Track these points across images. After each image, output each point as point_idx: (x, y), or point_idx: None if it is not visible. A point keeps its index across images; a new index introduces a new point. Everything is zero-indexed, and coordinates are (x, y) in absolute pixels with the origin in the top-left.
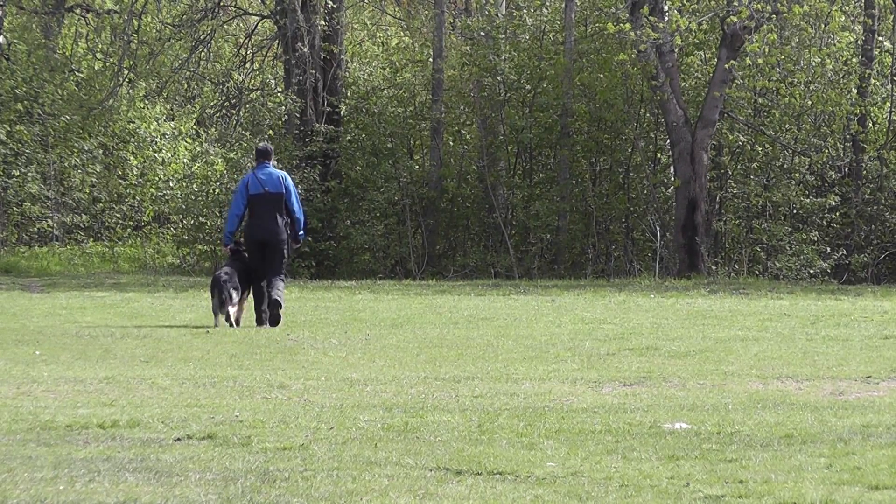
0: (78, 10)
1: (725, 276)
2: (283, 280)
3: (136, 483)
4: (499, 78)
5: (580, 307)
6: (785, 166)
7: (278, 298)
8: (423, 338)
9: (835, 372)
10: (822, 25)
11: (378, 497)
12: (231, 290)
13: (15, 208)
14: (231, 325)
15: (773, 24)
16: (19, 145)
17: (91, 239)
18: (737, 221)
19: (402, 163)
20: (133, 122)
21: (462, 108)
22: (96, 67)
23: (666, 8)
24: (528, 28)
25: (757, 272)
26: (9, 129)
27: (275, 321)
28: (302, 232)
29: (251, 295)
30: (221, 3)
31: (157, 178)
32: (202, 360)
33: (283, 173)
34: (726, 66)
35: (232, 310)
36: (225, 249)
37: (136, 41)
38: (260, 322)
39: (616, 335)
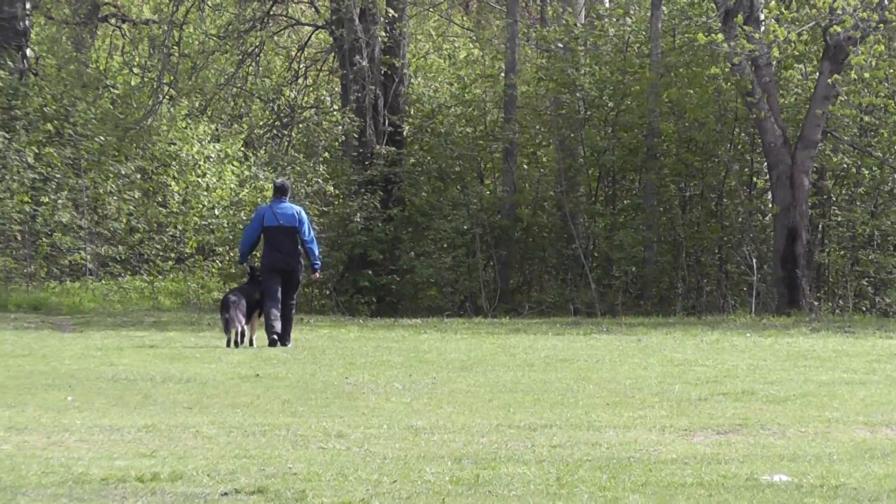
0: (113, 20)
1: (829, 313)
2: (294, 305)
3: None
4: (578, 94)
5: (669, 347)
6: (895, 191)
7: (286, 337)
8: (495, 381)
9: None
10: None
11: None
12: (238, 313)
13: (44, 239)
14: (238, 345)
15: (880, 34)
16: (49, 169)
17: (128, 273)
18: (841, 252)
19: (472, 188)
20: (174, 144)
21: (538, 127)
22: (133, 83)
23: (762, 17)
24: (610, 39)
25: (864, 308)
26: (37, 151)
27: (284, 343)
28: (318, 262)
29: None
30: (271, 13)
31: (200, 206)
32: (251, 406)
33: (299, 208)
34: (829, 80)
35: (240, 330)
36: (242, 266)
37: (177, 54)
38: (272, 342)
39: (709, 378)
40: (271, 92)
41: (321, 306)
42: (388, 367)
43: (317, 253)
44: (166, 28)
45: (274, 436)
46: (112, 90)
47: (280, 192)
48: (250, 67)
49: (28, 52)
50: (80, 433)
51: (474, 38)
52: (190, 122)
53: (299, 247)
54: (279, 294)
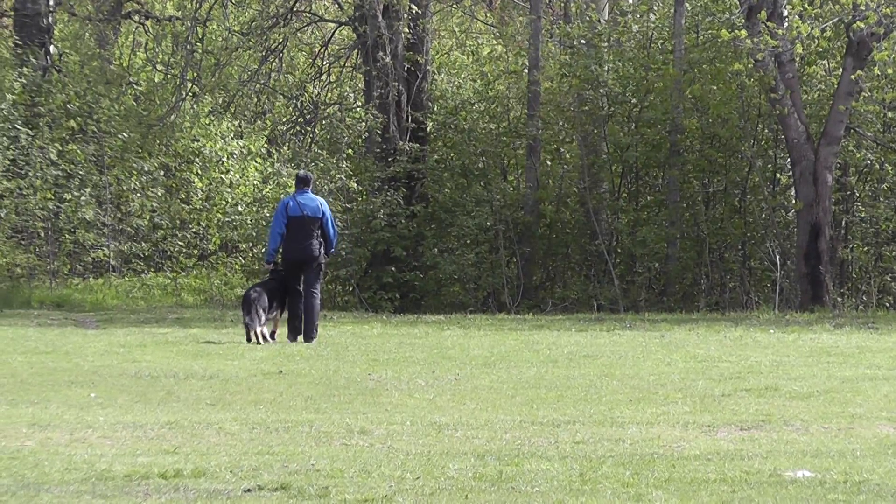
0: (136, 17)
1: (853, 309)
2: (318, 294)
3: None
4: (601, 90)
5: (692, 343)
6: None
7: (312, 328)
8: (518, 378)
9: None
10: None
11: None
12: (259, 309)
13: (67, 236)
14: (259, 342)
15: None
16: (72, 166)
17: (151, 269)
18: (865, 248)
19: (495, 184)
20: (197, 141)
21: (561, 123)
22: (156, 80)
23: (786, 13)
24: (633, 35)
25: (888, 304)
26: (61, 148)
27: (310, 334)
28: (333, 249)
29: (285, 310)
30: (294, 9)
31: (224, 202)
32: (274, 402)
33: (322, 199)
34: (852, 76)
35: (260, 328)
36: (267, 266)
37: (200, 51)
38: (293, 337)
39: (732, 374)
40: (294, 88)
41: (344, 303)
42: (411, 363)
43: (334, 244)
44: (189, 25)
45: (297, 432)
46: (135, 87)
47: (303, 182)
48: (273, 64)
49: (51, 48)
50: (102, 430)
51: (497, 34)
52: (213, 118)
53: (320, 237)
54: (302, 288)
